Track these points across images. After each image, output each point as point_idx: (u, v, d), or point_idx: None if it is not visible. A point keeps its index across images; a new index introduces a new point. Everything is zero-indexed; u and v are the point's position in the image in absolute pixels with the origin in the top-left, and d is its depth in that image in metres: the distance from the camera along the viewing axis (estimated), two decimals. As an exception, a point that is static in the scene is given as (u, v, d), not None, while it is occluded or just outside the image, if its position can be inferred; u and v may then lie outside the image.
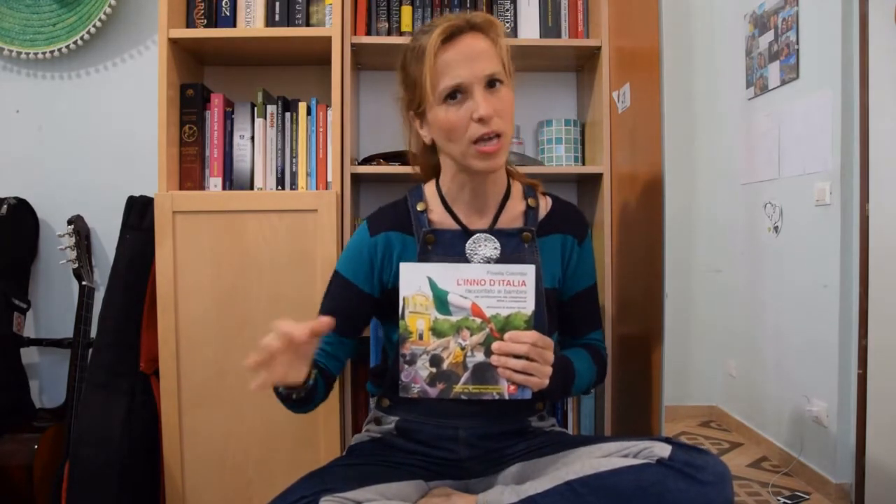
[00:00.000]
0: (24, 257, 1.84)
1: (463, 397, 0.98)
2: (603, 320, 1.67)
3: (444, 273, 0.98)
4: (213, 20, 1.66)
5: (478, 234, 1.11)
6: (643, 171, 1.48)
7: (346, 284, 1.13)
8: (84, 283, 1.69)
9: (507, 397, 0.98)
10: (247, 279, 1.55)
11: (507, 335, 0.96)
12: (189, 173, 1.63)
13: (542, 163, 1.82)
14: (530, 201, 1.16)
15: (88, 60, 1.88)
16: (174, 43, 1.60)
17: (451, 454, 1.09)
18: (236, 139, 1.65)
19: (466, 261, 1.09)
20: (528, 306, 0.97)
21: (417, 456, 1.09)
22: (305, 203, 1.56)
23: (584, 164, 1.84)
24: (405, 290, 0.98)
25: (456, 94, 1.03)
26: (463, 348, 0.98)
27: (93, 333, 1.68)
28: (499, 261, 1.09)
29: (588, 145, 1.84)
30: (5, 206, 1.77)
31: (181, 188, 1.62)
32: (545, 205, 1.18)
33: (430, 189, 1.17)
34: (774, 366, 2.53)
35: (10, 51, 1.82)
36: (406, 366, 0.99)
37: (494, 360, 0.96)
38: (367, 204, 1.87)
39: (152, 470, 1.58)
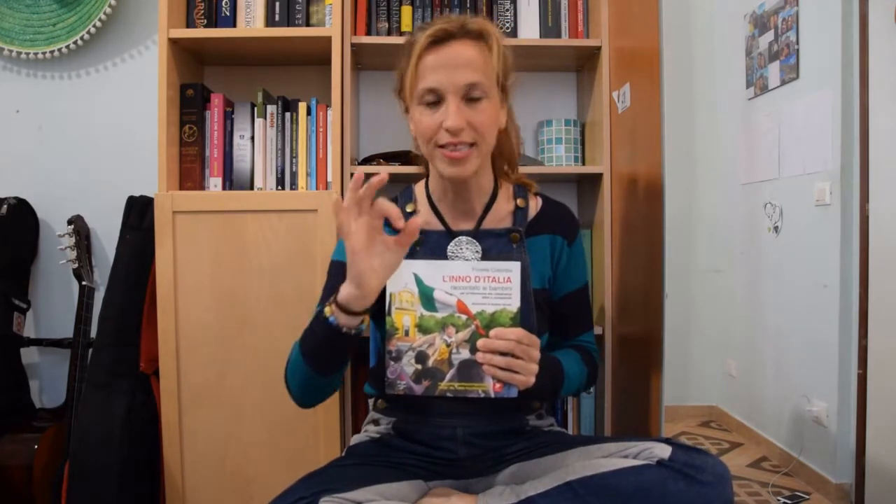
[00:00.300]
0: (24, 257, 1.84)
1: (448, 394, 0.98)
2: (603, 320, 1.68)
3: (430, 270, 0.98)
4: (213, 20, 1.66)
5: (460, 237, 1.11)
6: (643, 171, 1.48)
7: (345, 267, 1.12)
8: (84, 283, 1.69)
9: (492, 395, 0.97)
10: (247, 279, 1.55)
11: (492, 332, 0.96)
12: (189, 173, 1.63)
13: (542, 163, 1.82)
14: (519, 202, 1.16)
15: (88, 60, 1.88)
16: (174, 43, 1.60)
17: (450, 454, 1.09)
18: (236, 139, 1.65)
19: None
20: (514, 303, 0.97)
21: (416, 456, 1.09)
22: (305, 203, 1.56)
23: (584, 164, 1.84)
24: (391, 286, 0.98)
25: (433, 98, 1.03)
26: (448, 345, 0.98)
27: (93, 333, 1.68)
28: None
29: (588, 145, 1.84)
30: (5, 206, 1.77)
31: (181, 188, 1.62)
32: (535, 205, 1.18)
33: (419, 189, 1.18)
34: (774, 366, 2.53)
35: (10, 51, 1.82)
36: (392, 362, 0.99)
37: (479, 356, 0.96)
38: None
39: (152, 470, 1.58)
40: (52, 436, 1.65)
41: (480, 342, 0.96)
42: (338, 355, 0.99)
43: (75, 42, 1.83)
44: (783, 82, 2.42)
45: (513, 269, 0.97)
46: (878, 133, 2.00)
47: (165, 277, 1.53)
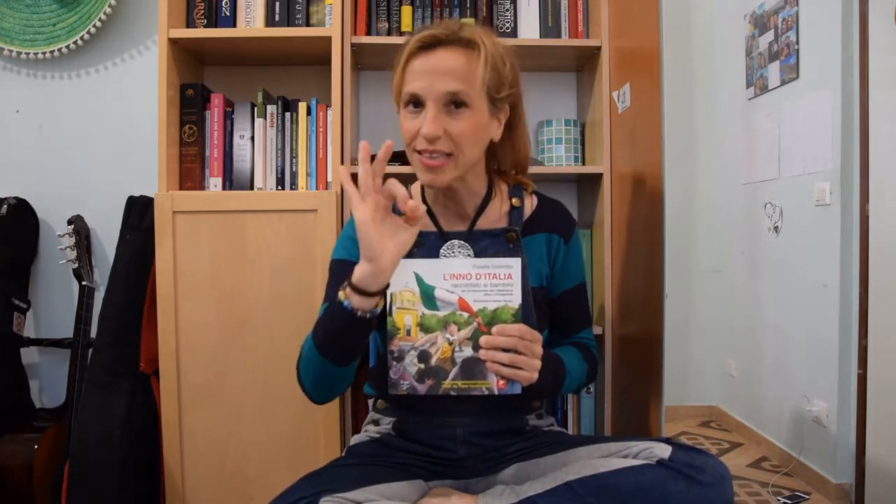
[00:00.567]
0: (24, 257, 1.84)
1: (452, 393, 0.98)
2: (603, 320, 1.68)
3: (431, 268, 0.98)
4: (213, 20, 1.66)
5: (452, 241, 1.11)
6: (643, 171, 1.48)
7: (347, 265, 1.10)
8: (84, 283, 1.69)
9: (496, 392, 0.97)
10: (247, 279, 1.55)
11: (494, 329, 0.96)
12: (189, 173, 1.63)
13: (542, 163, 1.82)
14: (514, 201, 1.15)
15: (88, 60, 1.88)
16: (174, 43, 1.60)
17: (450, 453, 1.09)
18: (236, 139, 1.65)
19: None
20: (515, 299, 0.97)
21: (416, 456, 1.09)
22: (305, 203, 1.56)
23: (584, 164, 1.84)
24: (392, 286, 0.98)
25: (416, 103, 1.03)
26: (451, 343, 0.97)
27: (93, 333, 1.68)
28: None
29: (588, 145, 1.84)
30: (5, 206, 1.77)
31: (181, 188, 1.62)
32: (530, 204, 1.18)
33: (415, 190, 1.17)
34: (774, 366, 2.53)
35: (10, 51, 1.82)
36: (394, 362, 0.99)
37: (482, 353, 0.95)
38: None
39: (152, 470, 1.58)
40: (52, 436, 1.65)
41: (483, 339, 0.96)
42: (353, 342, 0.97)
43: (75, 42, 1.83)
44: (783, 82, 2.42)
45: (513, 265, 0.97)
46: (878, 133, 2.00)
47: (165, 277, 1.53)
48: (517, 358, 0.95)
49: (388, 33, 1.76)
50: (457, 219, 1.14)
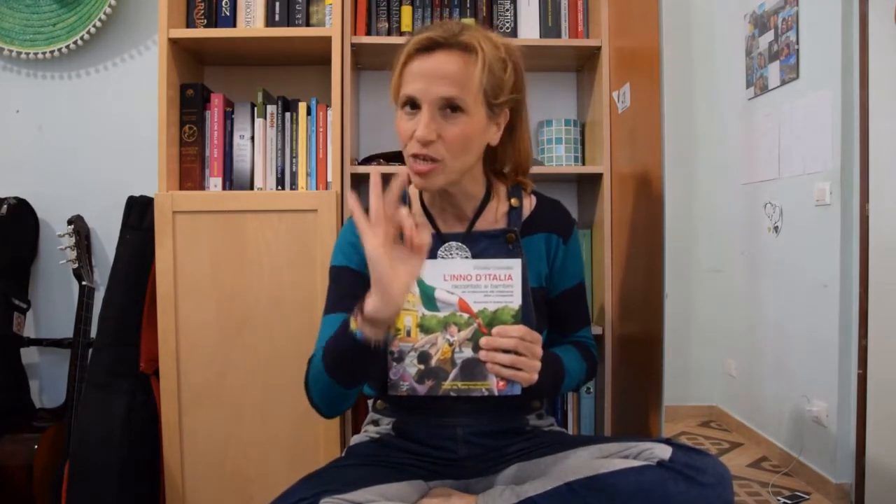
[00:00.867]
0: (24, 257, 1.84)
1: (452, 394, 0.98)
2: (603, 320, 1.68)
3: (431, 269, 0.97)
4: (213, 20, 1.66)
5: (450, 243, 1.11)
6: (643, 171, 1.48)
7: (347, 271, 1.12)
8: (84, 283, 1.69)
9: (496, 393, 0.97)
10: (247, 279, 1.55)
11: (494, 330, 0.96)
12: (189, 173, 1.63)
13: (542, 163, 1.82)
14: (513, 201, 1.15)
15: (88, 60, 1.88)
16: (174, 43, 1.60)
17: (450, 454, 1.09)
18: (236, 139, 1.65)
19: None
20: (516, 300, 0.97)
21: (416, 456, 1.09)
22: (305, 203, 1.56)
23: (584, 164, 1.84)
24: None
25: (413, 104, 1.02)
26: (451, 344, 0.97)
27: (93, 333, 1.68)
28: None
29: (588, 145, 1.84)
30: (5, 206, 1.77)
31: (181, 188, 1.62)
32: (529, 204, 1.17)
33: (413, 192, 1.18)
34: (774, 366, 2.53)
35: (10, 51, 1.82)
36: (394, 363, 0.98)
37: (482, 355, 0.95)
38: (367, 204, 1.87)
39: (152, 470, 1.58)
40: (52, 436, 1.65)
41: (483, 340, 0.95)
42: (364, 369, 0.97)
43: (75, 42, 1.83)
44: (783, 82, 2.42)
45: (513, 266, 0.97)
46: (878, 133, 2.00)
47: (165, 277, 1.53)
48: (517, 359, 0.95)
49: (388, 33, 1.76)
50: (455, 220, 1.13)
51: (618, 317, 1.66)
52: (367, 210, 0.90)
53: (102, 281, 1.74)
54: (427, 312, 0.98)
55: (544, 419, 1.18)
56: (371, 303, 0.88)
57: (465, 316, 0.97)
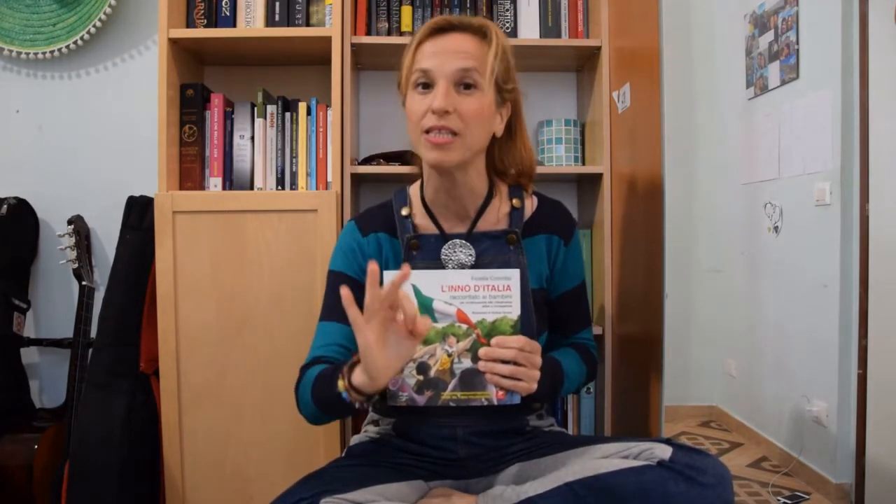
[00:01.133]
0: (24, 257, 1.84)
1: (451, 404, 0.98)
2: (603, 320, 1.68)
3: (429, 280, 0.97)
4: (213, 20, 1.66)
5: (453, 240, 1.11)
6: (643, 171, 1.48)
7: (345, 278, 1.12)
8: (84, 283, 1.69)
9: (495, 403, 0.97)
10: (247, 279, 1.55)
11: (493, 340, 0.96)
12: (189, 173, 1.63)
13: (542, 163, 1.82)
14: (515, 202, 1.15)
15: (88, 60, 1.88)
16: (174, 43, 1.60)
17: (450, 454, 1.09)
18: (236, 139, 1.65)
19: (443, 266, 1.08)
20: (514, 311, 0.97)
21: (417, 456, 1.09)
22: (305, 203, 1.56)
23: (584, 164, 1.84)
24: None
25: (424, 80, 1.03)
26: (450, 355, 0.97)
27: (93, 333, 1.68)
28: (474, 266, 1.08)
29: (588, 145, 1.84)
30: (5, 206, 1.77)
31: (181, 188, 1.62)
32: (531, 205, 1.17)
33: (413, 192, 1.17)
34: (774, 366, 2.53)
35: (10, 51, 1.82)
36: None
37: (482, 365, 0.95)
38: (367, 204, 1.87)
39: (152, 470, 1.58)
40: (52, 436, 1.65)
41: (482, 351, 0.96)
42: (347, 415, 1.02)
43: (75, 42, 1.83)
44: (783, 82, 2.42)
45: (512, 276, 0.97)
46: (878, 133, 2.00)
47: (165, 277, 1.53)
48: (517, 370, 0.95)
49: (388, 33, 1.76)
50: (457, 220, 1.13)
51: (618, 317, 1.66)
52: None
53: (102, 281, 1.74)
54: None
55: (544, 419, 1.18)
56: (359, 378, 0.90)
57: (464, 327, 0.97)
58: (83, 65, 1.88)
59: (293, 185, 1.64)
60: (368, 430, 1.17)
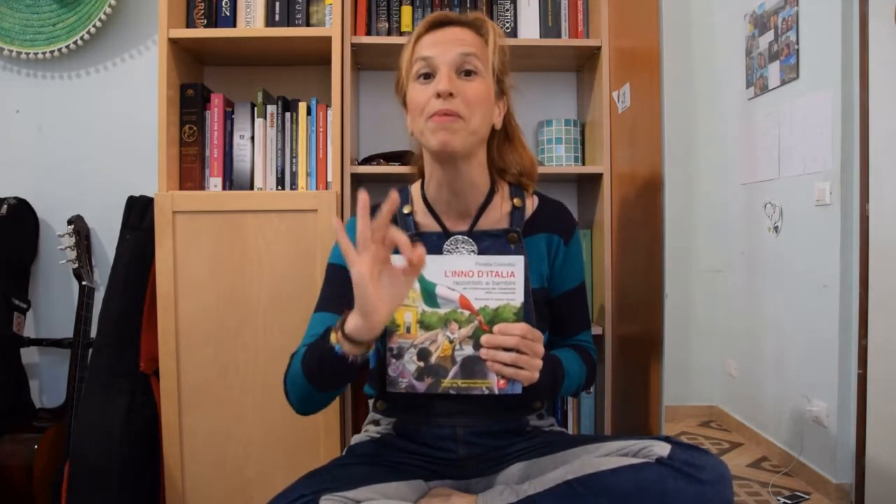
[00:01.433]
0: (24, 257, 1.84)
1: (451, 392, 0.97)
2: (603, 320, 1.68)
3: (432, 265, 0.96)
4: (213, 20, 1.66)
5: (455, 237, 1.11)
6: (643, 171, 1.48)
7: (342, 271, 1.09)
8: (84, 283, 1.69)
9: (496, 392, 0.96)
10: (247, 279, 1.55)
11: (496, 327, 0.94)
12: (189, 173, 1.63)
13: (542, 163, 1.82)
14: (516, 201, 1.15)
15: (88, 60, 1.88)
16: (174, 43, 1.60)
17: (450, 454, 1.09)
18: (236, 139, 1.65)
19: None
20: (518, 298, 0.95)
21: (417, 456, 1.09)
22: (305, 203, 1.56)
23: (584, 164, 1.84)
24: None
25: (426, 69, 1.04)
26: (451, 341, 0.96)
27: (93, 333, 1.68)
28: None
29: (588, 145, 1.84)
30: (5, 206, 1.77)
31: (181, 188, 1.62)
32: (531, 204, 1.17)
33: (415, 190, 1.17)
34: (774, 366, 2.53)
35: (10, 51, 1.82)
36: (393, 360, 0.97)
37: (483, 353, 0.94)
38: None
39: (152, 470, 1.58)
40: (52, 436, 1.65)
41: (484, 338, 0.94)
42: (342, 379, 0.97)
43: (75, 42, 1.83)
44: (783, 82, 2.42)
45: (516, 263, 0.96)
46: (878, 133, 2.00)
47: (165, 277, 1.53)
48: (519, 357, 0.94)
49: (388, 33, 1.76)
50: (458, 218, 1.13)
51: (618, 317, 1.66)
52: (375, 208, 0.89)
53: (102, 281, 1.74)
54: (427, 309, 0.96)
55: (545, 419, 1.17)
56: (352, 323, 0.88)
57: (466, 313, 0.96)
58: (83, 65, 1.88)
59: (293, 185, 1.64)
60: (369, 430, 1.17)
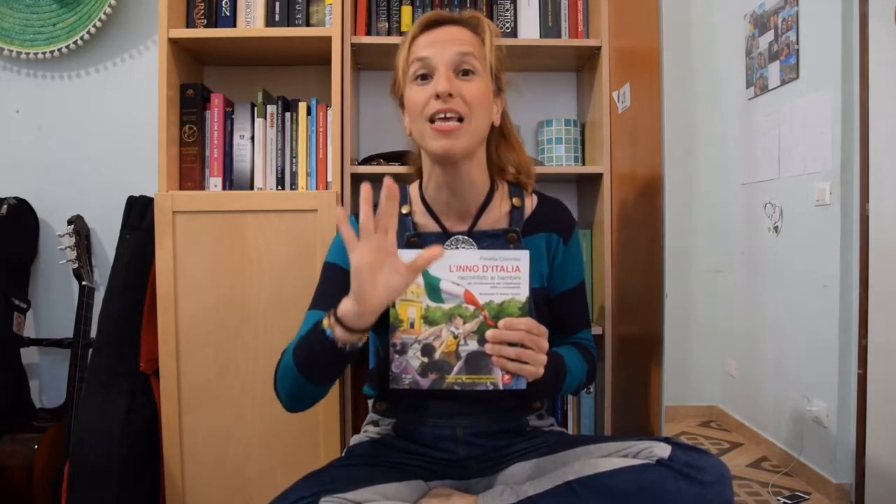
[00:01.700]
0: (24, 257, 1.84)
1: (456, 388, 0.95)
2: (603, 320, 1.68)
3: (437, 259, 0.94)
4: (213, 20, 1.66)
5: (455, 237, 1.11)
6: (643, 171, 1.48)
7: (338, 270, 1.11)
8: (84, 283, 1.69)
9: (501, 387, 0.95)
10: (247, 279, 1.55)
11: (501, 322, 0.93)
12: (189, 173, 1.63)
13: (542, 163, 1.82)
14: (515, 201, 1.15)
15: (88, 60, 1.88)
16: (174, 43, 1.60)
17: (450, 454, 1.09)
18: (236, 139, 1.65)
19: None
20: (523, 293, 0.94)
21: (417, 456, 1.09)
22: (305, 203, 1.56)
23: (584, 164, 1.84)
24: None
25: (425, 75, 1.04)
26: (456, 337, 0.95)
27: (93, 333, 1.68)
28: None
29: (588, 145, 1.84)
30: (5, 206, 1.77)
31: (181, 188, 1.62)
32: (530, 203, 1.17)
33: (413, 191, 1.17)
34: (774, 366, 2.53)
35: (10, 51, 1.82)
36: (397, 356, 0.96)
37: (488, 348, 0.93)
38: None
39: (152, 470, 1.58)
40: (52, 436, 1.65)
41: (490, 333, 0.93)
42: (332, 368, 0.97)
43: (75, 42, 1.83)
44: (783, 82, 2.42)
45: (521, 257, 0.95)
46: (877, 133, 2.00)
47: (165, 277, 1.53)
48: (524, 352, 0.93)
49: (388, 33, 1.76)
50: (458, 219, 1.13)
51: (618, 317, 1.66)
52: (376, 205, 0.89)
53: (102, 281, 1.74)
54: (432, 304, 0.95)
55: (544, 419, 1.17)
56: (345, 306, 0.88)
57: (471, 308, 0.95)
58: (83, 65, 1.88)
59: (293, 185, 1.64)
60: (368, 431, 1.17)
